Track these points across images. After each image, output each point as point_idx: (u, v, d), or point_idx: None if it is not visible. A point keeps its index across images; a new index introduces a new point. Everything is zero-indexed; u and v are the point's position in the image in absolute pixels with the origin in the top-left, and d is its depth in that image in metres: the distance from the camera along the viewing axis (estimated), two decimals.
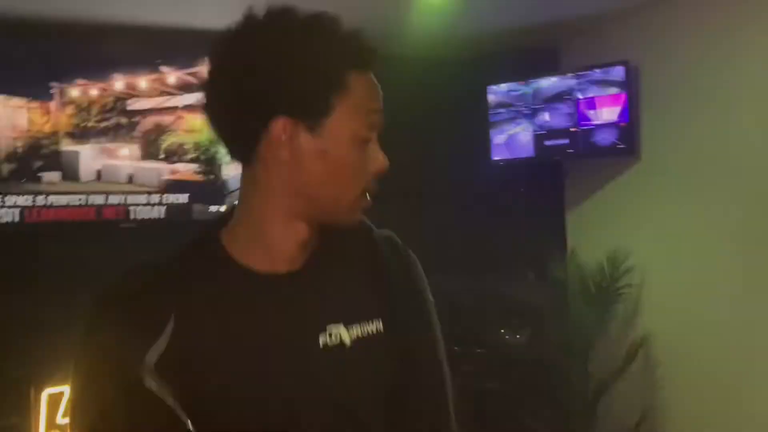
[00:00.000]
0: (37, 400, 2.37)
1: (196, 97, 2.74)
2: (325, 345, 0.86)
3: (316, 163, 0.85)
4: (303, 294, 0.88)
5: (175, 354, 0.82)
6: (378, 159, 0.88)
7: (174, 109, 2.71)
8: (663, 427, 2.77)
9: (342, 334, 0.87)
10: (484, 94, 3.13)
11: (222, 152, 2.76)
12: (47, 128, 2.55)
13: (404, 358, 0.92)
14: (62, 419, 2.43)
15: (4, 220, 2.49)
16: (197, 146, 2.75)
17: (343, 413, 0.87)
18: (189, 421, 0.82)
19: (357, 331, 0.89)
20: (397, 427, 0.91)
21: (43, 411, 2.39)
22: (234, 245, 0.89)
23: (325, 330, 0.87)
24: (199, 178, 2.76)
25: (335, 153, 0.84)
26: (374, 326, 0.90)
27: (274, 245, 0.88)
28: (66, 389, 2.44)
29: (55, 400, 2.42)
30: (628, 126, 2.81)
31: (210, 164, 2.78)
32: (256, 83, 0.83)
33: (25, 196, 2.53)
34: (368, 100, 0.87)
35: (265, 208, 0.88)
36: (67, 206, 2.58)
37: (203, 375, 0.82)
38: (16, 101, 2.51)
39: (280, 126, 0.83)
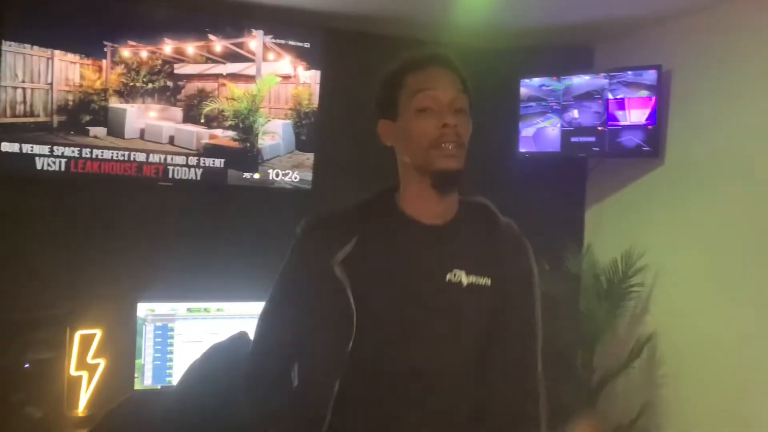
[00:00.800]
0: (71, 339, 2.53)
1: (239, 67, 2.85)
2: (450, 281, 1.25)
3: (403, 136, 1.28)
4: (442, 242, 1.28)
5: (355, 257, 1.25)
6: (434, 121, 1.24)
7: (217, 76, 2.83)
8: (660, 423, 2.86)
9: (462, 277, 1.26)
10: (517, 86, 3.20)
11: (259, 121, 2.89)
12: (98, 85, 2.68)
13: (502, 313, 1.27)
14: (91, 360, 2.59)
15: (52, 168, 2.63)
16: (236, 114, 2.86)
17: (450, 331, 1.26)
18: (354, 308, 1.22)
19: (472, 278, 1.26)
20: (488, 367, 1.28)
21: (75, 350, 2.55)
22: (400, 201, 1.32)
23: (452, 270, 1.26)
24: (235, 144, 2.88)
25: (405, 125, 1.27)
26: (484, 281, 1.27)
27: (415, 200, 1.29)
28: (96, 332, 2.60)
29: (86, 340, 2.58)
30: (655, 129, 2.87)
31: (247, 132, 2.89)
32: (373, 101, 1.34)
33: (72, 148, 2.66)
34: (417, 87, 1.26)
35: (403, 175, 1.32)
36: (110, 160, 2.71)
37: (369, 278, 1.24)
38: (71, 57, 2.65)
39: (380, 125, 1.32)
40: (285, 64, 2.90)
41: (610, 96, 2.98)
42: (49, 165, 2.63)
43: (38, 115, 2.62)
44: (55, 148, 2.64)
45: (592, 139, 3.04)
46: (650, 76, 2.87)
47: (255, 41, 2.86)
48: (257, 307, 2.62)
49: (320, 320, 1.27)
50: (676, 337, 2.84)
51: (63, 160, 2.65)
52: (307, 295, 1.28)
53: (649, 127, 2.88)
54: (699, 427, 2.69)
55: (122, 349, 2.56)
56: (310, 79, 2.93)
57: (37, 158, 2.61)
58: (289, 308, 1.33)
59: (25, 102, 2.60)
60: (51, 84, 2.63)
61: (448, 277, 1.25)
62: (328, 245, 1.26)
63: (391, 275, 1.25)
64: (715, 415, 2.63)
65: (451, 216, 1.31)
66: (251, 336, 2.24)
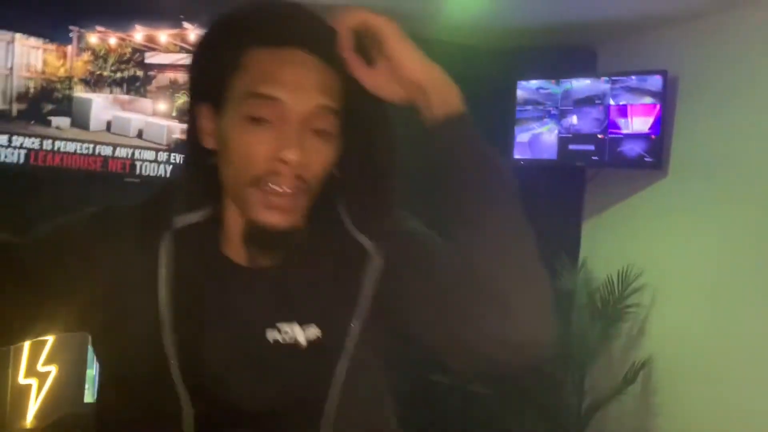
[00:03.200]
0: (20, 346, 2.35)
1: None
2: (276, 341, 0.85)
3: (222, 147, 0.82)
4: (267, 290, 0.87)
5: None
6: (268, 144, 0.78)
7: None
8: None
9: (297, 332, 0.85)
10: (513, 88, 3.02)
11: None
12: (62, 72, 2.51)
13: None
14: (42, 367, 2.41)
15: (9, 160, 2.46)
16: None
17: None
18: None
19: (312, 331, 0.86)
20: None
21: (25, 356, 2.38)
22: (219, 228, 0.88)
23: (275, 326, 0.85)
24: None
25: (227, 132, 0.80)
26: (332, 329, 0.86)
27: (232, 239, 0.86)
28: (49, 338, 2.42)
29: (37, 347, 2.40)
30: (659, 139, 2.68)
31: None
32: (188, 76, 0.89)
33: (33, 139, 2.49)
34: (262, 78, 0.79)
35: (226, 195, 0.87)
36: (73, 153, 2.55)
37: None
38: (33, 41, 2.48)
39: (197, 111, 0.83)
40: None
41: (612, 102, 2.79)
42: (6, 156, 2.46)
43: None
44: (13, 138, 2.47)
45: (591, 147, 2.85)
46: (655, 81, 2.68)
47: None
48: None
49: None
50: (674, 362, 2.65)
51: (22, 152, 2.49)
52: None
53: (653, 136, 2.69)
54: None
55: (74, 358, 2.38)
56: None
57: None
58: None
59: None
60: (11, 69, 2.46)
61: (271, 335, 0.84)
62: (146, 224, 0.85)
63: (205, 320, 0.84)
64: None
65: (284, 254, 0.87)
66: None
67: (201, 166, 0.85)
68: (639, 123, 2.73)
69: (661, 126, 2.67)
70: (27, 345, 2.38)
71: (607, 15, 2.70)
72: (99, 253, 0.83)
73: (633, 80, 2.74)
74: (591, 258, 3.06)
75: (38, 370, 2.40)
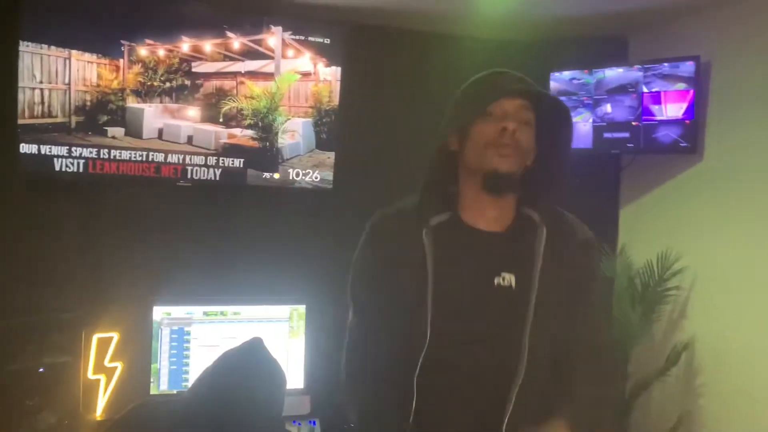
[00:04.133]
0: (88, 342, 2.50)
1: (257, 64, 2.79)
2: (498, 285, 1.36)
3: (466, 140, 1.39)
4: (496, 249, 1.39)
5: (434, 238, 1.38)
6: (495, 125, 1.35)
7: (236, 74, 2.77)
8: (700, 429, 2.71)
9: (512, 280, 1.36)
10: (546, 80, 3.07)
11: (278, 120, 2.82)
12: (115, 85, 2.65)
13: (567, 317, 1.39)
14: (109, 363, 2.56)
15: (70, 169, 2.61)
16: (255, 113, 2.80)
17: (501, 330, 1.38)
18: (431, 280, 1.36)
19: (521, 280, 1.37)
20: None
21: (92, 353, 2.52)
22: (458, 206, 1.43)
23: (500, 274, 1.37)
24: (255, 144, 2.82)
25: (470, 129, 1.38)
26: (531, 282, 1.36)
27: (471, 205, 1.41)
28: (114, 335, 2.57)
29: (103, 343, 2.54)
30: (693, 124, 2.71)
31: (266, 131, 2.83)
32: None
33: (90, 149, 2.64)
34: (481, 133, 1.36)
35: (462, 180, 1.43)
36: (128, 161, 2.68)
37: (441, 262, 1.36)
38: (88, 56, 2.61)
39: (450, 135, 1.42)
40: (305, 61, 2.82)
41: (645, 89, 2.83)
42: (67, 166, 2.60)
43: (56, 116, 2.60)
44: (73, 149, 2.61)
45: (625, 134, 2.90)
46: (688, 67, 2.71)
47: (274, 38, 2.79)
48: (275, 310, 2.60)
49: (400, 304, 1.37)
50: (716, 343, 2.68)
51: (81, 161, 2.63)
52: (391, 282, 1.38)
53: (687, 121, 2.72)
54: None
55: (139, 353, 2.52)
56: (330, 76, 2.85)
57: (55, 159, 2.58)
58: (377, 302, 1.41)
59: (43, 103, 2.58)
60: (68, 84, 2.60)
61: (496, 280, 1.35)
62: (413, 223, 1.38)
63: (452, 275, 1.36)
64: (758, 428, 2.47)
65: (508, 223, 1.40)
66: (266, 342, 2.17)
67: (445, 177, 1.42)
68: (673, 109, 2.77)
69: (695, 111, 2.70)
70: (94, 343, 2.53)
71: (637, 3, 2.73)
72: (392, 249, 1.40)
73: (666, 67, 2.78)
74: (629, 243, 3.10)
75: (105, 366, 2.55)
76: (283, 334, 2.59)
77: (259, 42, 2.78)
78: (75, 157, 2.62)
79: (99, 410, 2.53)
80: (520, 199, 1.42)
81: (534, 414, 1.36)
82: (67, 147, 2.60)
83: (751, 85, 2.58)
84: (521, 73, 1.39)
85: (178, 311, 2.50)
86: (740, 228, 2.62)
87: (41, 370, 2.31)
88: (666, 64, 2.78)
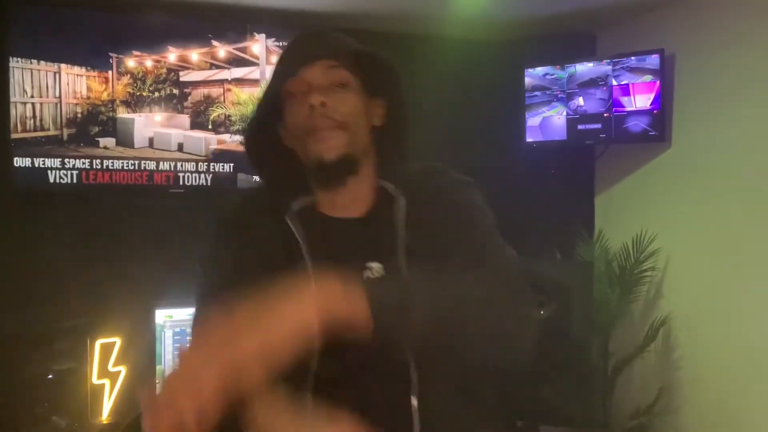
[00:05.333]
0: (92, 348, 2.57)
1: (243, 71, 2.87)
2: (368, 278, 1.07)
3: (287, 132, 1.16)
4: (357, 236, 1.12)
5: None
6: (303, 105, 1.08)
7: (222, 81, 2.85)
8: (678, 406, 2.87)
9: (381, 270, 1.08)
10: (521, 77, 3.21)
11: None
12: (105, 96, 2.71)
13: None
14: (112, 368, 2.62)
15: (64, 181, 2.66)
16: (243, 118, 2.88)
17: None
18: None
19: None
20: None
21: (96, 359, 2.59)
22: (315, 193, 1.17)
23: (367, 265, 1.08)
24: (243, 148, 2.90)
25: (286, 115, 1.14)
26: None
27: (320, 194, 1.16)
28: (116, 340, 2.64)
29: (106, 349, 2.61)
30: (660, 113, 2.87)
31: None
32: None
33: (83, 160, 2.70)
34: (292, 119, 1.11)
35: None
36: (121, 170, 2.74)
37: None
38: (77, 70, 2.68)
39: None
40: None
41: (615, 82, 2.98)
42: (61, 178, 2.66)
43: (48, 129, 2.66)
44: (66, 160, 2.67)
45: (598, 125, 3.05)
46: (653, 60, 2.87)
47: (258, 45, 2.88)
48: None
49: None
50: (691, 319, 2.85)
51: (75, 172, 2.69)
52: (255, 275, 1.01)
53: (655, 111, 2.88)
54: (718, 408, 2.70)
55: (142, 356, 2.59)
56: None
57: (49, 171, 2.65)
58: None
59: (35, 116, 2.64)
60: (59, 97, 2.66)
61: (365, 274, 1.07)
62: (270, 207, 1.13)
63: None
64: (733, 395, 2.64)
65: (369, 204, 1.14)
66: None
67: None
68: (641, 100, 2.93)
69: (662, 101, 2.86)
70: (97, 349, 2.60)
71: (604, 1, 2.88)
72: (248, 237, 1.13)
73: (632, 60, 2.93)
74: (606, 229, 3.25)
75: (109, 370, 2.62)
76: None
77: (243, 50, 2.86)
78: (68, 169, 2.68)
79: (105, 414, 2.60)
80: (377, 171, 1.17)
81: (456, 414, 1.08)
82: (60, 159, 2.66)
83: (712, 75, 2.75)
84: (336, 32, 1.15)
85: (180, 313, 2.58)
86: (708, 209, 2.78)
87: (50, 376, 2.37)
88: (632, 57, 2.93)
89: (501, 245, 1.16)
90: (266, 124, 1.15)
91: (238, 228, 1.15)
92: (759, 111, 2.56)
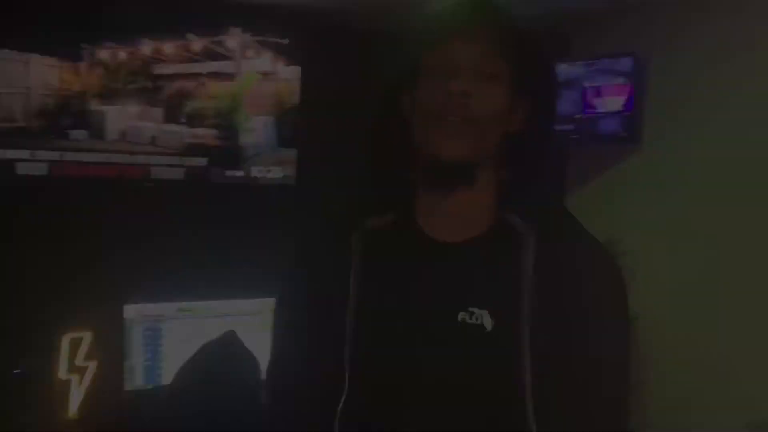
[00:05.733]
0: (60, 343, 2.54)
1: (218, 65, 2.85)
2: (464, 321, 0.91)
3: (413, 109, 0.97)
4: (455, 268, 0.94)
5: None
6: (441, 85, 0.91)
7: (197, 75, 2.83)
8: (642, 404, 2.92)
9: (484, 318, 0.90)
10: None
11: (240, 119, 2.89)
12: (77, 88, 2.67)
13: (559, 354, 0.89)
14: (81, 363, 2.60)
15: (33, 173, 2.62)
16: (218, 112, 2.86)
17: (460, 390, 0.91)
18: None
19: (497, 320, 0.90)
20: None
21: (65, 354, 2.56)
22: (415, 206, 1.01)
23: (466, 309, 0.91)
24: (218, 142, 2.88)
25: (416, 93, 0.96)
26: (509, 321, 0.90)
27: (423, 203, 1.00)
28: (85, 334, 2.61)
29: (75, 343, 2.58)
30: (632, 116, 2.92)
31: (228, 130, 2.90)
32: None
33: (53, 152, 2.65)
34: (423, 97, 0.94)
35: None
36: (92, 163, 2.71)
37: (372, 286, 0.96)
38: (48, 60, 2.63)
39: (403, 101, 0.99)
40: (265, 60, 2.90)
41: (587, 84, 3.02)
42: (30, 170, 2.62)
43: (17, 120, 2.61)
44: (35, 152, 2.63)
45: (570, 127, 3.08)
46: (626, 63, 2.91)
47: (233, 39, 2.86)
48: (245, 304, 2.69)
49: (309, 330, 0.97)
50: (657, 320, 2.89)
51: (44, 164, 2.64)
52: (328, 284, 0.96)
53: (626, 113, 2.93)
54: (681, 406, 2.76)
55: (112, 351, 2.57)
56: (290, 75, 2.93)
57: (17, 163, 2.60)
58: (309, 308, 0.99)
59: (2, 107, 2.59)
60: (29, 88, 2.61)
61: (461, 316, 0.89)
62: (341, 226, 0.99)
63: (390, 298, 0.93)
64: (697, 394, 2.70)
65: (477, 231, 0.95)
66: (240, 335, 2.27)
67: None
68: (613, 102, 2.97)
69: (634, 103, 2.91)
70: (66, 344, 2.57)
71: (579, 2, 2.91)
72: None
73: (605, 63, 2.97)
74: None
75: (77, 365, 2.59)
76: (254, 328, 2.67)
77: (219, 43, 2.84)
78: (38, 161, 2.63)
79: (73, 410, 2.58)
80: (500, 197, 0.97)
81: None
82: (30, 151, 2.62)
83: (683, 79, 2.79)
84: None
85: (150, 309, 2.57)
86: (676, 211, 2.83)
87: (17, 372, 2.34)
88: (605, 59, 2.97)
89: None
90: (390, 101, 0.97)
91: (308, 250, 1.05)
92: (730, 115, 2.61)
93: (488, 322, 0.89)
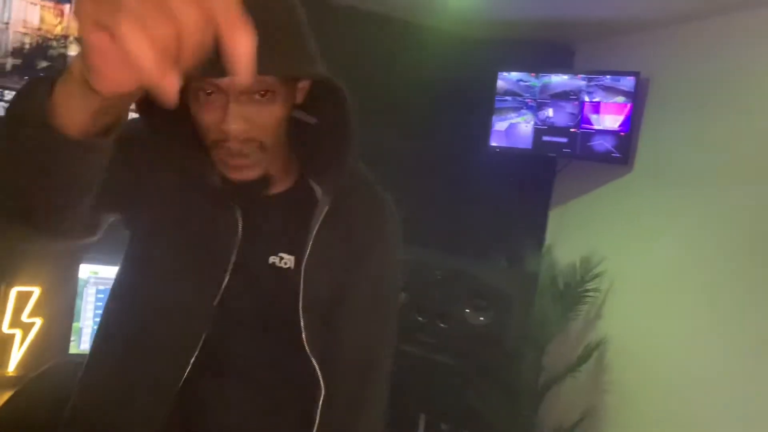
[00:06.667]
0: (6, 295, 2.40)
1: None
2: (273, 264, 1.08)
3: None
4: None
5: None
6: (217, 113, 0.91)
7: None
8: (601, 429, 2.88)
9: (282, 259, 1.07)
10: (494, 78, 3.15)
11: None
12: (58, 30, 2.54)
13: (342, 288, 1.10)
14: (27, 318, 2.47)
15: (2, 113, 2.49)
16: None
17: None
18: None
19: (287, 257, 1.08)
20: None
21: (10, 306, 2.43)
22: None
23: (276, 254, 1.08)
24: None
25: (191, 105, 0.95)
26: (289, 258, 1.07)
27: None
28: (35, 290, 2.48)
29: (23, 297, 2.45)
30: (627, 136, 2.86)
31: None
32: None
33: None
34: (198, 119, 0.94)
35: None
36: None
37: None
38: None
39: None
40: None
41: (587, 98, 2.95)
42: None
43: None
44: (6, 92, 2.49)
45: (564, 139, 3.02)
46: (628, 82, 2.85)
47: None
48: None
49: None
50: (625, 344, 2.85)
51: None
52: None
53: (622, 133, 2.86)
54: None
55: (61, 310, 2.44)
56: None
57: None
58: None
59: None
60: (7, 24, 2.47)
61: (271, 260, 1.06)
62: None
63: None
64: (656, 424, 2.65)
65: (281, 188, 1.08)
66: None
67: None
68: (610, 120, 2.90)
69: (631, 124, 2.84)
70: (12, 296, 2.43)
71: (587, 15, 2.84)
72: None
73: (607, 79, 2.91)
74: (555, 244, 3.24)
75: (23, 321, 2.46)
76: None
77: None
78: (7, 101, 2.50)
79: (12, 366, 2.45)
80: (300, 161, 1.10)
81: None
82: (0, 90, 2.48)
83: (684, 104, 2.73)
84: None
85: (106, 271, 2.44)
86: (658, 238, 2.78)
87: None
88: (608, 76, 2.90)
89: (389, 355, 1.14)
90: None
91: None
92: (724, 146, 2.56)
93: (290, 263, 1.06)
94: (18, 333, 2.46)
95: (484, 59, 3.12)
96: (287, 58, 0.86)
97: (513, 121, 3.13)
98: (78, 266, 2.42)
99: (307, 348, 1.04)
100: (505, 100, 3.15)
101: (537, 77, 3.07)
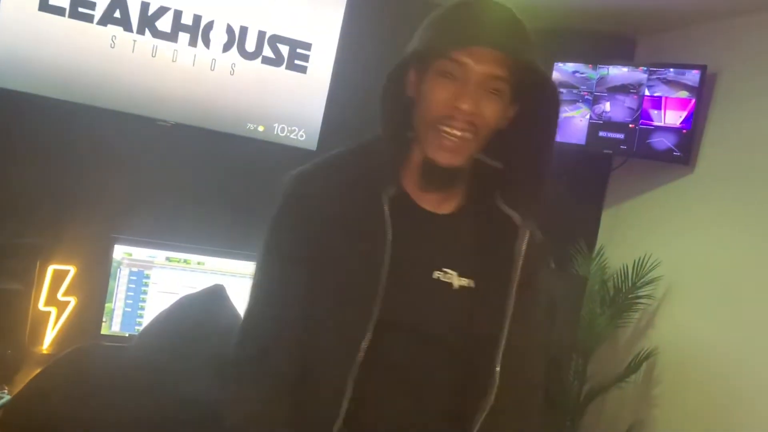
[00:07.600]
0: (43, 272, 2.41)
1: None
2: (438, 279, 1.12)
3: (420, 96, 1.07)
4: (438, 234, 1.14)
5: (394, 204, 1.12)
6: (451, 93, 1.02)
7: None
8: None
9: (453, 278, 1.12)
10: (550, 69, 3.00)
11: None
12: None
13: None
14: (62, 296, 2.47)
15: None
16: None
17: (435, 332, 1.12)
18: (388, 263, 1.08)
19: (464, 281, 1.12)
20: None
21: (46, 284, 2.44)
22: (403, 169, 1.14)
23: (440, 269, 1.12)
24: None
25: (426, 84, 1.06)
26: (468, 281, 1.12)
27: (412, 175, 1.13)
28: (70, 269, 2.48)
29: (59, 276, 2.46)
30: (690, 134, 2.66)
31: None
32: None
33: None
34: (432, 95, 1.05)
35: (415, 137, 1.13)
36: None
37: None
38: None
39: (410, 72, 1.09)
40: None
41: (647, 92, 2.77)
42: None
43: None
44: None
45: (620, 135, 2.84)
46: (693, 76, 2.65)
47: None
48: (240, 265, 2.52)
49: (337, 288, 1.06)
50: (678, 357, 2.67)
51: None
52: (324, 253, 1.06)
53: (684, 131, 2.67)
54: None
55: (94, 290, 2.43)
56: None
57: None
58: (296, 272, 1.07)
59: None
60: None
61: (436, 275, 1.09)
62: (370, 178, 1.07)
63: (409, 258, 1.09)
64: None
65: (455, 206, 1.14)
66: (228, 291, 2.08)
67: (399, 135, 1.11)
68: (672, 116, 2.72)
69: (694, 121, 2.65)
70: (49, 274, 2.44)
71: (650, 5, 2.66)
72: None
73: (671, 72, 2.72)
74: (608, 246, 3.06)
75: (59, 299, 2.46)
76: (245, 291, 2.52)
77: None
78: None
79: (46, 344, 2.46)
80: (484, 184, 1.16)
81: None
82: None
83: (755, 101, 2.53)
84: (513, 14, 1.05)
85: (140, 253, 2.42)
86: (720, 246, 2.59)
87: None
88: (672, 69, 2.71)
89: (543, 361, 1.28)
90: (397, 72, 1.06)
91: (319, 202, 1.08)
92: None
93: (471, 284, 1.12)
94: (53, 311, 2.46)
95: (540, 48, 2.97)
96: (530, 53, 1.03)
97: (567, 114, 2.98)
98: (113, 247, 2.40)
99: (496, 361, 1.08)
100: (560, 92, 2.99)
101: (594, 69, 2.91)
